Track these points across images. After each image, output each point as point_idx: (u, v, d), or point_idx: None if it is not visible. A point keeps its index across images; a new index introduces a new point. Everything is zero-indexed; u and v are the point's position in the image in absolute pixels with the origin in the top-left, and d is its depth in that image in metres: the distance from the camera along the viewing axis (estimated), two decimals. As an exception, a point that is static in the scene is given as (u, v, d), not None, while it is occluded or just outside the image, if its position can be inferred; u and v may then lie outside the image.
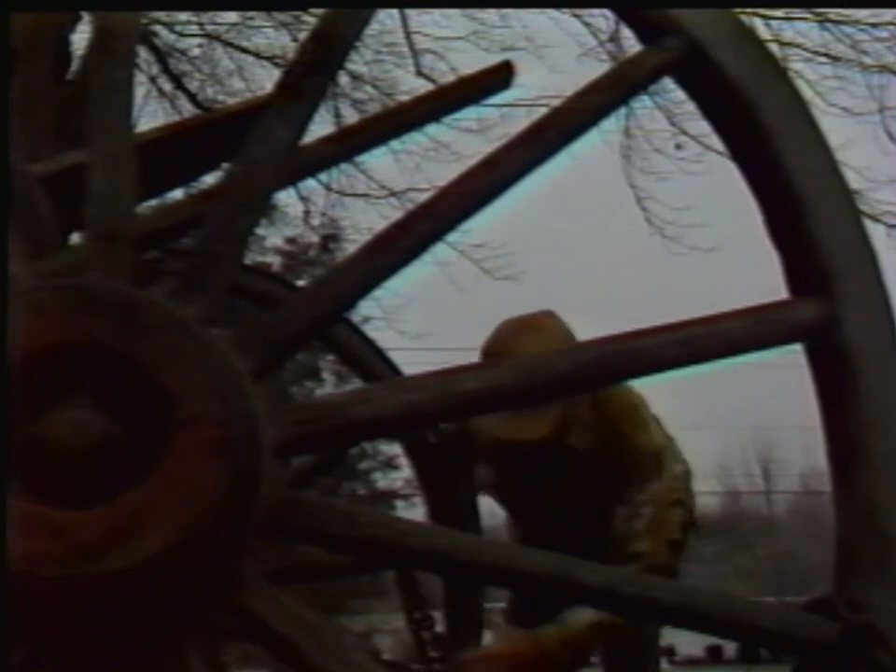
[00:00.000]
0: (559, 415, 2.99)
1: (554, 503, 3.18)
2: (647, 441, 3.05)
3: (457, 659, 2.96)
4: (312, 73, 1.38)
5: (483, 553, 1.29)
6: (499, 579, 1.44)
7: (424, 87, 9.58)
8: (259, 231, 16.75)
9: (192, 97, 10.66)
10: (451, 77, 9.16)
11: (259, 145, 1.35)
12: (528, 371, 1.31)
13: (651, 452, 3.05)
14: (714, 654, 33.88)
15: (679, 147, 10.64)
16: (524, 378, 1.30)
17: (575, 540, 2.96)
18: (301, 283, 4.94)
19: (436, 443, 3.25)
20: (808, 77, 9.71)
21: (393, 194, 11.03)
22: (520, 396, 1.35)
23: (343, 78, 10.49)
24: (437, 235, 1.36)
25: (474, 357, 3.04)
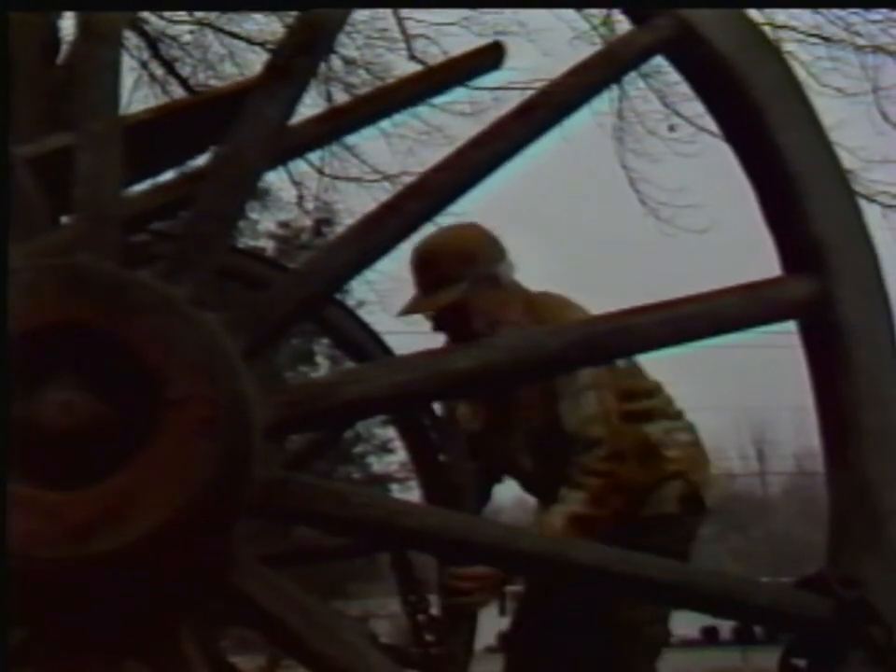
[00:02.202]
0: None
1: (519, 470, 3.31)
2: (575, 418, 3.06)
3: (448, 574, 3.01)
4: (301, 53, 1.37)
5: (477, 532, 1.29)
6: (493, 558, 1.44)
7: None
8: (253, 215, 16.73)
9: (184, 82, 10.61)
10: (443, 62, 9.10)
11: (248, 125, 1.34)
12: (520, 349, 1.31)
13: (575, 430, 3.07)
14: (709, 635, 34.01)
15: (672, 128, 10.63)
16: (515, 357, 1.30)
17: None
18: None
19: (430, 426, 3.25)
20: (802, 58, 9.70)
21: (386, 178, 11.01)
22: (511, 374, 1.35)
23: (336, 62, 10.46)
24: (427, 214, 1.36)
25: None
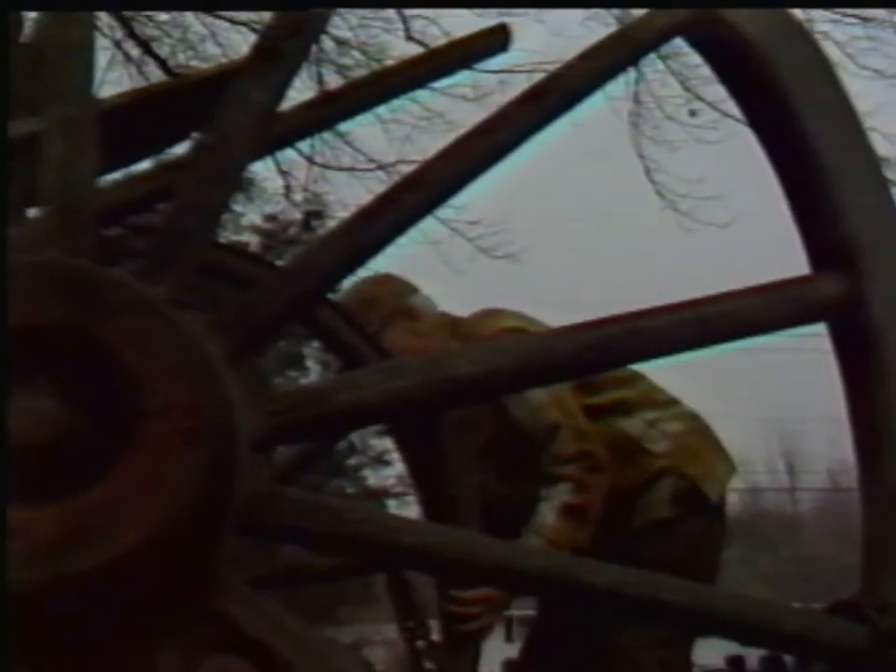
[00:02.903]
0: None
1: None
2: (526, 412, 3.17)
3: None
4: (291, 34, 1.37)
5: (480, 551, 1.29)
6: (497, 579, 1.44)
7: (415, 52, 9.56)
8: (236, 207, 16.74)
9: (162, 63, 10.62)
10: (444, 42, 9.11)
11: (234, 111, 1.34)
12: (527, 353, 1.31)
13: (531, 423, 3.19)
14: (735, 665, 33.93)
15: (692, 113, 10.64)
16: (522, 361, 1.30)
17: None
18: (281, 263, 4.94)
19: (430, 436, 3.25)
20: (837, 37, 9.71)
21: (381, 167, 11.04)
22: (517, 380, 1.35)
23: (328, 43, 10.48)
24: (426, 208, 1.36)
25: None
